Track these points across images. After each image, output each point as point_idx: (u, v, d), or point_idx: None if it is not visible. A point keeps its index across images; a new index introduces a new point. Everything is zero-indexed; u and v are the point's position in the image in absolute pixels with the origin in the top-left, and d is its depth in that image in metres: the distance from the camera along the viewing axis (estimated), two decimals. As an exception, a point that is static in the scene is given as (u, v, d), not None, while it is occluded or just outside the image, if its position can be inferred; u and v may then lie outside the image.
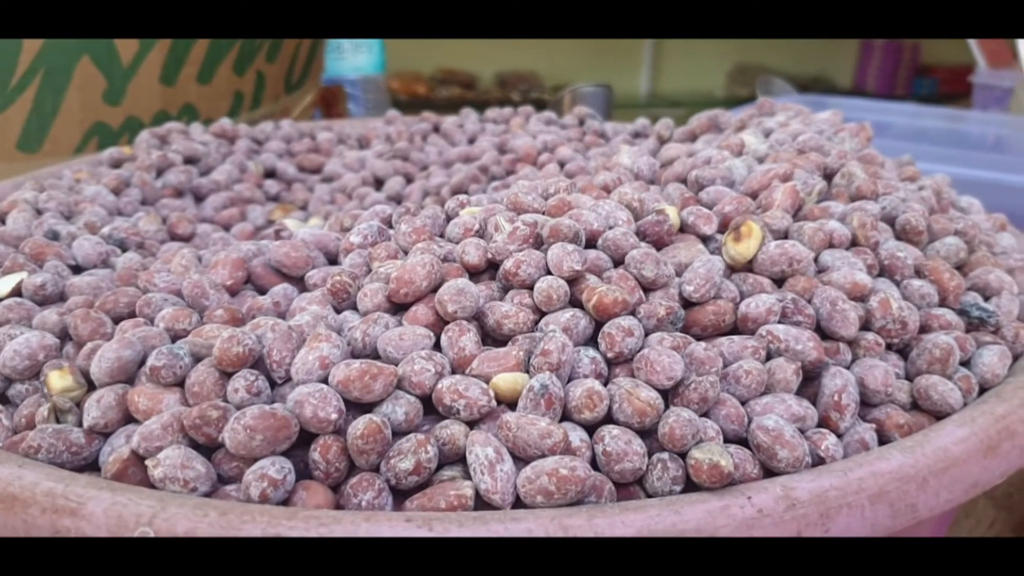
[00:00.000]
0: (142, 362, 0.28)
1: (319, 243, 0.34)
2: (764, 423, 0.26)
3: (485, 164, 0.56)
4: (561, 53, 2.73)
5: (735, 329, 0.30)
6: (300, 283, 0.33)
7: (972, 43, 1.43)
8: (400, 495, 0.25)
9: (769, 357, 0.28)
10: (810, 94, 1.19)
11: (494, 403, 0.26)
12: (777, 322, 0.29)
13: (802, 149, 0.41)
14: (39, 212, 0.42)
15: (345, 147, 0.62)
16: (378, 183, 0.58)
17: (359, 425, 0.24)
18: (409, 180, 0.58)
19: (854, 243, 0.33)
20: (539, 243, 0.31)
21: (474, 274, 0.31)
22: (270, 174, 0.58)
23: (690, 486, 0.25)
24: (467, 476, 0.25)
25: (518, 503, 0.24)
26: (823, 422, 0.28)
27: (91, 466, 0.27)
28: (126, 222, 0.41)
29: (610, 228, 0.31)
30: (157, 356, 0.27)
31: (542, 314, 0.29)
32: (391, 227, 0.35)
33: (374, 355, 0.28)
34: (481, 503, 0.24)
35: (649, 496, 0.25)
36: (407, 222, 0.33)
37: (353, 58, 1.10)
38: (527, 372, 0.27)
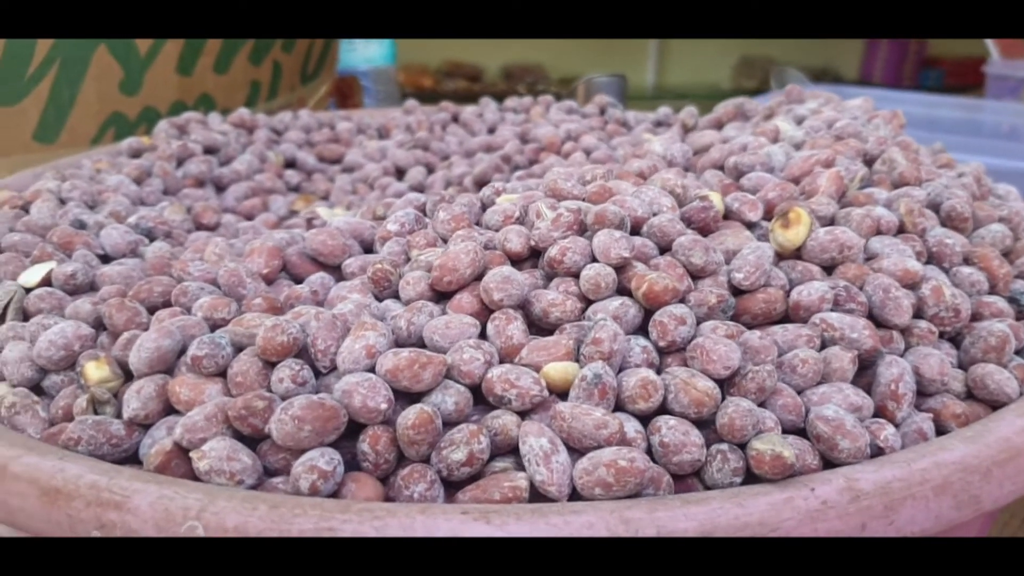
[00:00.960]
0: (181, 352, 0.27)
1: (354, 231, 0.33)
2: (823, 413, 0.25)
3: (508, 153, 0.55)
4: (567, 46, 2.71)
5: (785, 317, 0.29)
6: (336, 271, 0.33)
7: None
8: (451, 487, 0.24)
9: (823, 346, 0.28)
10: (825, 84, 1.18)
11: (546, 392, 0.25)
12: (830, 310, 0.28)
13: (839, 135, 0.40)
14: (62, 202, 0.42)
15: (365, 137, 0.62)
16: (399, 173, 0.57)
17: (410, 415, 0.24)
18: (430, 170, 0.57)
19: (901, 230, 0.33)
20: (582, 230, 0.30)
21: (516, 262, 0.30)
22: (290, 164, 0.58)
23: (748, 478, 0.24)
24: (519, 467, 0.24)
25: (574, 495, 0.24)
26: (879, 412, 0.27)
27: (131, 458, 0.26)
28: (152, 211, 0.41)
29: (654, 215, 0.31)
30: (199, 346, 0.26)
31: (588, 302, 0.28)
32: (425, 215, 0.35)
33: (419, 344, 0.27)
34: (535, 495, 0.24)
35: (707, 488, 0.24)
36: (445, 210, 0.32)
37: (364, 50, 1.09)
38: (577, 361, 0.26)
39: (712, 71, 2.88)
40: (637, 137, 0.58)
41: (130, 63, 0.61)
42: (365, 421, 0.24)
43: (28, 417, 0.27)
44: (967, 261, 0.33)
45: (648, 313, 0.28)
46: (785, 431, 0.26)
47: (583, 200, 0.32)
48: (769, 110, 0.52)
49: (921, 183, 0.36)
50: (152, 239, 0.38)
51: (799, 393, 0.26)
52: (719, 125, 0.55)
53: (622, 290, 0.28)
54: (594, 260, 0.29)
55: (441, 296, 0.29)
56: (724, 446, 0.24)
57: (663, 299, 0.27)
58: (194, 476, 0.25)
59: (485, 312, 0.28)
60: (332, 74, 0.83)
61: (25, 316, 0.32)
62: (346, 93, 0.97)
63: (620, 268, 0.28)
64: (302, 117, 0.62)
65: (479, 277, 0.29)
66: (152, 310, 0.30)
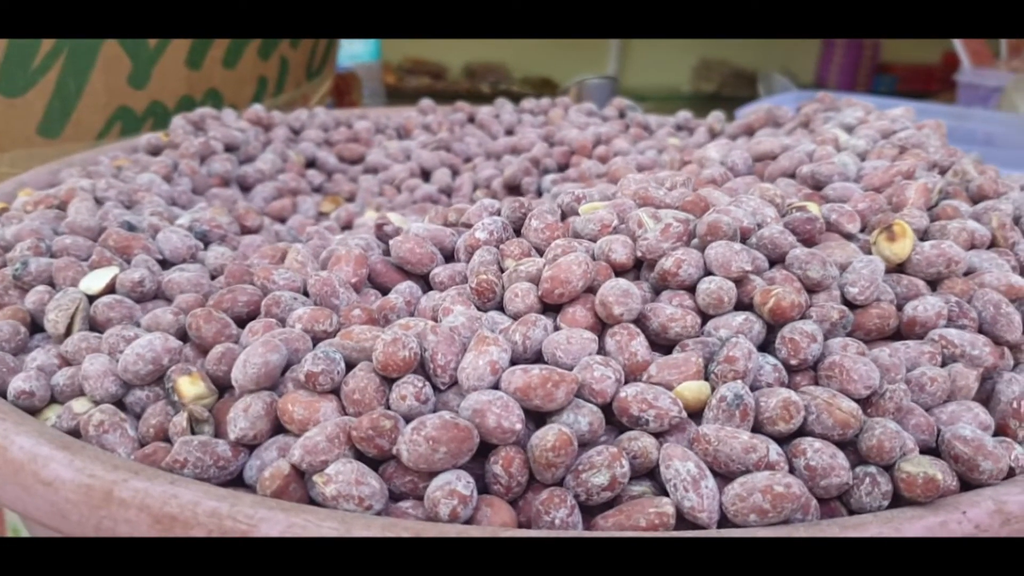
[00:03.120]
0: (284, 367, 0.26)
1: (434, 238, 0.32)
2: (961, 433, 0.24)
3: (536, 156, 0.54)
4: (529, 45, 2.71)
5: (897, 333, 0.28)
6: (420, 280, 0.31)
7: (956, 42, 1.45)
8: (586, 511, 0.23)
9: (943, 363, 0.27)
10: (810, 90, 1.18)
11: (684, 414, 0.24)
12: (944, 326, 0.28)
13: (903, 146, 0.40)
14: (98, 201, 0.40)
15: (384, 137, 0.60)
16: (424, 175, 0.56)
17: (548, 436, 0.23)
18: (454, 171, 0.56)
19: (992, 244, 0.32)
20: (689, 240, 0.29)
21: (620, 273, 0.29)
22: (310, 164, 0.56)
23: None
24: (657, 492, 0.23)
25: (722, 521, 0.23)
26: (1000, 430, 0.27)
27: (235, 481, 0.25)
28: (203, 214, 0.39)
29: (759, 226, 0.30)
30: (314, 361, 0.24)
31: (704, 316, 0.27)
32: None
33: (535, 359, 0.26)
34: (681, 521, 0.23)
35: (851, 511, 0.24)
36: (538, 218, 0.31)
37: (349, 47, 1.07)
38: (706, 380, 0.25)
39: (672, 73, 2.90)
40: (662, 141, 0.57)
41: (139, 55, 0.58)
42: (497, 442, 0.23)
43: (117, 436, 0.25)
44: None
45: (769, 329, 0.27)
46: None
47: (675, 208, 0.31)
48: (805, 117, 0.52)
49: (1000, 196, 0.35)
50: (207, 243, 0.36)
51: (926, 411, 0.26)
52: (750, 131, 0.55)
53: (738, 304, 0.27)
54: (707, 273, 0.28)
55: (547, 308, 0.28)
56: (872, 469, 0.23)
57: (790, 315, 0.26)
58: (310, 500, 0.23)
59: (599, 326, 0.27)
60: (333, 71, 0.81)
61: (92, 326, 0.30)
62: (343, 90, 0.94)
63: (737, 282, 0.27)
64: (319, 115, 0.60)
65: (589, 289, 0.27)
66: (236, 320, 0.28)
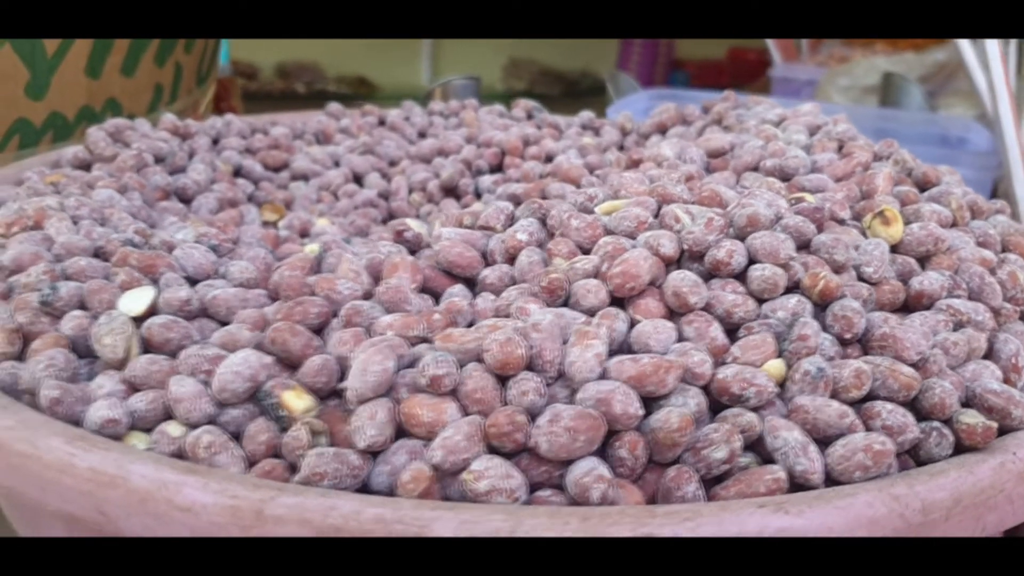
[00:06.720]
0: (389, 374, 0.26)
1: (468, 241, 0.33)
2: (991, 387, 0.28)
3: (468, 159, 0.55)
4: (341, 44, 2.67)
5: (904, 306, 0.32)
6: (467, 283, 0.32)
7: (769, 40, 1.57)
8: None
9: (954, 329, 0.31)
10: (656, 88, 1.25)
11: (777, 389, 0.27)
12: (947, 297, 0.32)
13: (841, 139, 0.44)
14: (72, 220, 0.38)
15: (303, 142, 0.59)
16: (356, 179, 0.56)
17: (672, 418, 0.25)
18: (383, 175, 0.57)
19: (952, 224, 0.37)
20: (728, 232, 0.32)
21: (667, 265, 0.31)
22: (235, 172, 0.55)
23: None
24: (760, 461, 0.26)
25: (827, 480, 0.25)
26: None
27: (361, 489, 0.25)
28: (204, 228, 0.38)
29: (778, 217, 0.33)
30: (437, 364, 0.25)
31: (757, 301, 0.30)
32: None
33: (621, 350, 0.28)
34: (792, 486, 0.25)
35: (919, 463, 0.27)
36: (577, 217, 0.32)
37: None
38: (780, 357, 0.28)
39: (483, 72, 2.94)
40: (576, 141, 0.60)
41: (36, 64, 0.54)
42: (621, 427, 0.25)
43: (228, 456, 0.25)
44: (1004, 249, 0.37)
45: (815, 308, 0.30)
46: (954, 406, 0.29)
47: (693, 204, 0.34)
48: (717, 114, 0.56)
49: (941, 181, 0.40)
50: (219, 256, 0.35)
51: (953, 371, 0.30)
52: (663, 129, 0.58)
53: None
54: (751, 261, 0.30)
55: (613, 301, 0.30)
56: (936, 424, 0.27)
57: (835, 295, 0.29)
58: (446, 499, 0.24)
59: (668, 315, 0.29)
60: (216, 76, 0.78)
61: (146, 348, 0.29)
62: (221, 95, 0.91)
63: (782, 267, 0.30)
64: (234, 122, 0.58)
65: (652, 282, 0.30)
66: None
